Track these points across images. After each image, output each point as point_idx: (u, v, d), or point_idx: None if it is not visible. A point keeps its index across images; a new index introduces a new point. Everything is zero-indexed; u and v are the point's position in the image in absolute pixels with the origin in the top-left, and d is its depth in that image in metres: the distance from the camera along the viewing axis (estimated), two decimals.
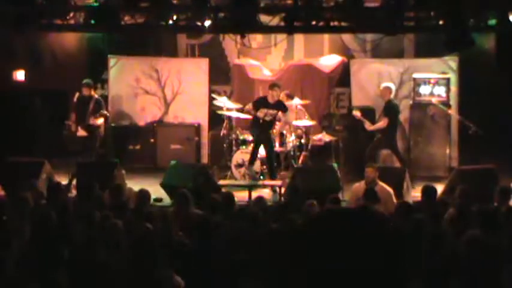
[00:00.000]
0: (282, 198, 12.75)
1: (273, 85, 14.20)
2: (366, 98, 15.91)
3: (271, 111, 13.92)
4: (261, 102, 14.02)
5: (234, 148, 14.63)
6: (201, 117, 16.49)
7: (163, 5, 13.04)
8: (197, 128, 16.33)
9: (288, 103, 14.74)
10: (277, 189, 13.22)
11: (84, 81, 14.40)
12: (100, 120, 14.37)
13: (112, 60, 16.46)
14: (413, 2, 12.74)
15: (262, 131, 13.96)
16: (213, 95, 15.79)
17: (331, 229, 3.64)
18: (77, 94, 14.42)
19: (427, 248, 7.60)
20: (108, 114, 14.83)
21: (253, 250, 7.59)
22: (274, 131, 14.48)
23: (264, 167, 14.37)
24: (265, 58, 17.52)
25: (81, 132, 14.32)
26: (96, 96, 14.52)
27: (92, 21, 12.99)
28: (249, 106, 14.28)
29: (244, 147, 14.57)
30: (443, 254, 7.49)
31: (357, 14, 12.84)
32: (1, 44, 14.75)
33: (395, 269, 6.17)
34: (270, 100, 13.91)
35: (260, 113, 13.89)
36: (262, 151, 14.44)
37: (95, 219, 8.36)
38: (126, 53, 16.54)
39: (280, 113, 14.10)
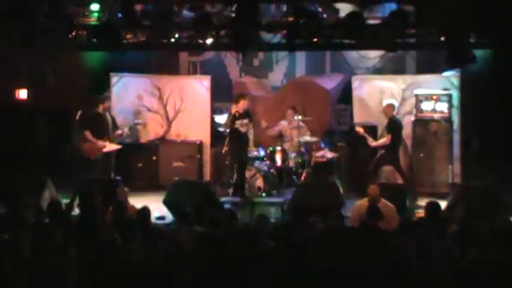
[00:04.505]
0: (285, 215, 12.73)
1: (239, 95, 14.38)
2: (368, 114, 15.89)
3: (244, 121, 14.08)
4: (233, 116, 14.19)
5: (235, 164, 14.63)
6: (203, 134, 16.48)
7: (165, 23, 13.07)
8: (199, 146, 16.33)
9: (291, 119, 14.91)
10: (280, 206, 13.19)
11: (101, 97, 14.63)
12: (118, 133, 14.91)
13: (114, 78, 16.48)
14: (415, 19, 12.76)
15: (241, 144, 14.12)
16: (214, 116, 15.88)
17: (334, 247, 3.63)
18: (80, 112, 14.50)
19: (432, 265, 7.58)
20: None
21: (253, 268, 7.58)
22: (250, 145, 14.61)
23: (266, 183, 14.39)
24: (267, 75, 17.58)
25: (110, 147, 14.63)
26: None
27: (94, 40, 13.04)
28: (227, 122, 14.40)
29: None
30: (449, 270, 7.48)
31: (358, 31, 12.86)
32: (4, 63, 14.78)
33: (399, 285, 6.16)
34: (241, 110, 14.07)
35: (236, 125, 14.06)
36: (263, 167, 14.50)
37: (97, 237, 8.36)
38: (128, 71, 16.55)
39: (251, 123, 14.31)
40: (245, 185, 14.15)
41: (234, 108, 14.24)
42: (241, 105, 14.19)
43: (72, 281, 7.10)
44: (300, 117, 14.92)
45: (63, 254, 7.74)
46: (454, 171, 15.49)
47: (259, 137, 15.31)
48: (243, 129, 14.20)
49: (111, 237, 8.10)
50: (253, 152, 14.83)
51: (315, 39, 13.22)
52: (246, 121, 14.20)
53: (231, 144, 14.31)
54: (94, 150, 14.49)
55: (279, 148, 14.76)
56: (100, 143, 14.47)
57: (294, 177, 14.70)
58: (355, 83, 16.41)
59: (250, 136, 14.55)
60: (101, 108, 14.60)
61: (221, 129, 15.10)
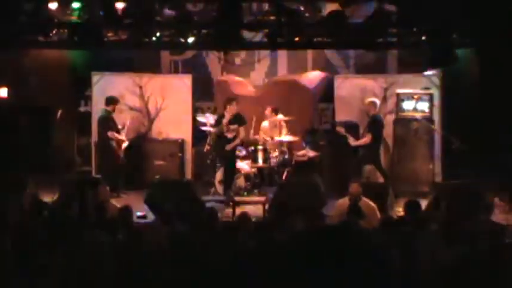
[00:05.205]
0: (266, 214, 12.74)
1: (229, 99, 14.42)
2: (350, 113, 15.91)
3: (232, 126, 14.14)
4: (221, 120, 14.27)
5: (218, 164, 14.63)
6: (184, 133, 16.44)
7: (147, 21, 13.05)
8: (181, 144, 16.28)
9: (272, 119, 14.90)
10: (262, 205, 13.20)
11: (113, 98, 15.05)
12: None
13: (95, 77, 16.40)
14: (396, 18, 12.80)
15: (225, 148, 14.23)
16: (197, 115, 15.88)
17: (316, 247, 3.64)
18: (60, 111, 14.50)
19: (412, 263, 7.61)
20: None
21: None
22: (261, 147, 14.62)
23: (248, 183, 14.41)
24: (249, 74, 17.56)
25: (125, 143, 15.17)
26: None
27: (75, 38, 12.99)
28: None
29: None
30: (428, 269, 7.50)
31: (340, 30, 12.88)
32: None
33: (379, 284, 6.17)
34: (228, 116, 14.11)
35: (223, 130, 14.12)
36: (245, 166, 14.50)
37: (77, 235, 8.33)
38: (110, 70, 16.48)
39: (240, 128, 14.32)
40: (231, 184, 14.18)
41: (225, 113, 14.32)
42: (230, 110, 14.25)
43: (55, 281, 7.08)
44: (281, 116, 14.93)
45: (46, 253, 7.72)
46: (435, 171, 15.55)
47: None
48: (230, 135, 14.27)
49: (95, 235, 8.08)
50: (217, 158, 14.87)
51: (297, 38, 13.23)
52: (234, 126, 14.26)
53: (216, 147, 14.38)
54: (120, 147, 15.01)
55: (260, 147, 14.75)
56: (121, 139, 14.99)
57: (276, 176, 14.70)
58: (337, 81, 16.43)
59: (239, 138, 14.57)
60: (111, 108, 14.78)
61: (204, 128, 15.07)
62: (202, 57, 17.57)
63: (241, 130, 14.48)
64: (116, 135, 14.85)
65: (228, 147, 14.39)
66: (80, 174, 15.54)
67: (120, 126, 15.14)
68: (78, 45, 13.77)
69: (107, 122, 14.83)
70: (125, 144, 15.05)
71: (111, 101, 15.00)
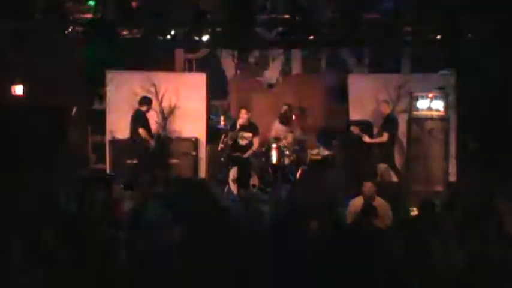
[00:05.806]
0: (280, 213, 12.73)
1: (241, 107, 14.43)
2: (364, 112, 15.87)
3: (246, 134, 14.15)
4: (234, 126, 14.30)
5: (231, 162, 14.62)
6: (198, 131, 16.42)
7: (161, 19, 13.07)
8: (195, 143, 16.27)
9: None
10: (275, 203, 13.20)
11: (147, 98, 15.02)
12: None
13: (110, 75, 16.40)
14: (411, 17, 12.78)
15: (240, 155, 14.23)
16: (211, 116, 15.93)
17: (329, 245, 3.63)
18: (74, 109, 14.51)
19: (425, 263, 7.59)
20: None
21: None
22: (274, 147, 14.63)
23: (262, 181, 14.41)
24: (263, 73, 17.56)
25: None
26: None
27: (90, 35, 13.02)
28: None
29: None
30: (445, 269, 7.49)
31: (354, 29, 12.87)
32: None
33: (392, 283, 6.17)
34: (241, 122, 14.10)
35: (238, 138, 14.13)
36: (259, 164, 14.50)
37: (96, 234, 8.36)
38: (124, 68, 16.50)
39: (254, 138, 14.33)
40: (245, 183, 14.17)
41: (238, 120, 14.35)
42: (241, 117, 14.25)
43: (68, 279, 7.11)
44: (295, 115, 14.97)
45: (58, 252, 7.75)
46: (450, 170, 15.48)
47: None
48: (243, 142, 14.28)
49: (111, 234, 8.11)
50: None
51: (311, 37, 13.23)
52: (248, 135, 14.28)
53: (229, 149, 14.43)
54: (147, 146, 14.98)
55: (274, 145, 14.74)
56: (149, 140, 14.96)
57: (290, 175, 14.69)
58: (351, 80, 16.37)
59: (252, 150, 14.56)
60: (145, 109, 14.80)
61: (219, 126, 15.13)
62: (217, 56, 17.59)
63: (256, 140, 14.48)
64: (147, 134, 14.81)
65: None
66: (93, 171, 15.56)
67: (153, 131, 15.21)
68: (93, 43, 13.81)
69: (141, 120, 14.81)
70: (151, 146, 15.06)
71: (145, 101, 15.00)
